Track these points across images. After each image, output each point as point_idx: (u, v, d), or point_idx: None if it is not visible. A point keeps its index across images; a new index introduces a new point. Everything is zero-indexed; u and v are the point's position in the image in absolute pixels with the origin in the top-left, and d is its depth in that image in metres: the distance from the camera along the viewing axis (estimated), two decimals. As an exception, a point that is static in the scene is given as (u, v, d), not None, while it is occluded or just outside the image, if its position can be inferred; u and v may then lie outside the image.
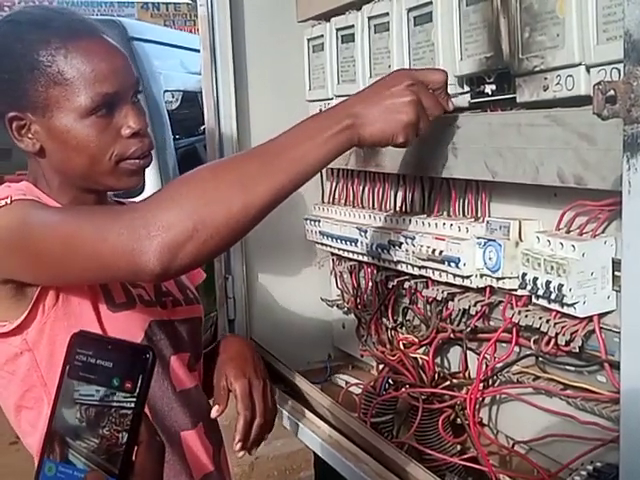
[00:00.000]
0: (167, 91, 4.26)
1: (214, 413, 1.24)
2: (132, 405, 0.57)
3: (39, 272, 1.05)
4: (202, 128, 2.95)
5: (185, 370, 1.24)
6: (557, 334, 1.08)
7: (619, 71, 0.90)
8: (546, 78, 1.02)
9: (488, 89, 1.15)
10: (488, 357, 1.24)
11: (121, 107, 1.11)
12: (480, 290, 1.24)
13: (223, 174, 0.98)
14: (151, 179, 1.26)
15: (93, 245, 0.97)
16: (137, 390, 0.58)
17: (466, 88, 1.20)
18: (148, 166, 1.16)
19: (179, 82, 4.38)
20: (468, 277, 1.22)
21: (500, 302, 1.23)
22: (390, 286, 1.49)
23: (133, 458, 0.58)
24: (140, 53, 3.96)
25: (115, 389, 0.58)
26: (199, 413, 1.24)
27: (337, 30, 1.55)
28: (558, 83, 1.00)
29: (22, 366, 1.07)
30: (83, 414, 0.58)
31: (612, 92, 0.71)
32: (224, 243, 0.98)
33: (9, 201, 1.02)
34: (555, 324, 1.09)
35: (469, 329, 1.27)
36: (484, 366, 1.24)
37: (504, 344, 1.23)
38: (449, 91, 1.14)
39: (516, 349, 1.21)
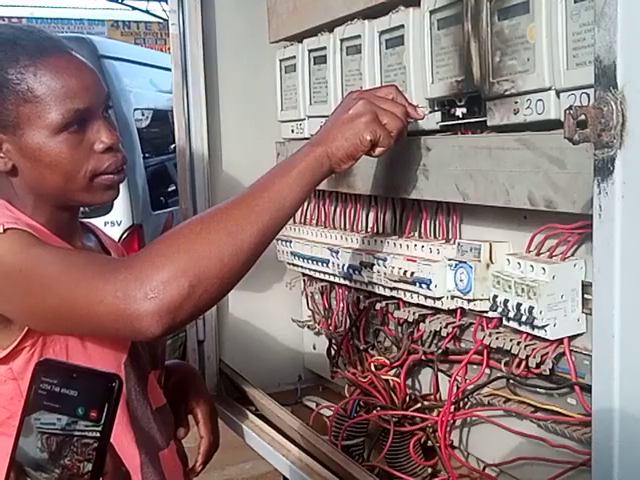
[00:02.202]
0: (137, 109, 4.25)
1: (182, 435, 1.26)
2: (97, 435, 0.56)
3: (30, 321, 1.03)
4: (172, 147, 2.94)
5: (157, 388, 1.23)
6: (528, 356, 1.08)
7: (588, 96, 0.91)
8: (516, 102, 1.03)
9: (459, 112, 1.16)
10: (459, 379, 1.24)
11: (93, 123, 1.10)
12: (451, 312, 1.25)
13: (209, 226, 0.99)
14: (120, 197, 1.25)
15: (90, 307, 0.95)
16: (103, 419, 0.56)
17: (437, 111, 1.21)
18: (123, 181, 1.15)
19: (149, 100, 4.37)
20: (439, 299, 1.22)
21: (471, 324, 1.23)
22: (362, 307, 1.48)
23: None
24: (110, 71, 3.95)
25: (79, 418, 0.56)
26: (170, 432, 1.24)
27: (309, 51, 1.56)
28: (528, 107, 1.01)
29: (6, 394, 1.05)
30: (45, 444, 0.56)
31: (583, 117, 0.71)
32: (219, 294, 0.98)
33: (1, 230, 0.99)
34: (526, 346, 1.09)
35: (440, 351, 1.27)
36: (455, 388, 1.24)
37: (475, 366, 1.23)
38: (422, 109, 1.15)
39: (487, 371, 1.21)
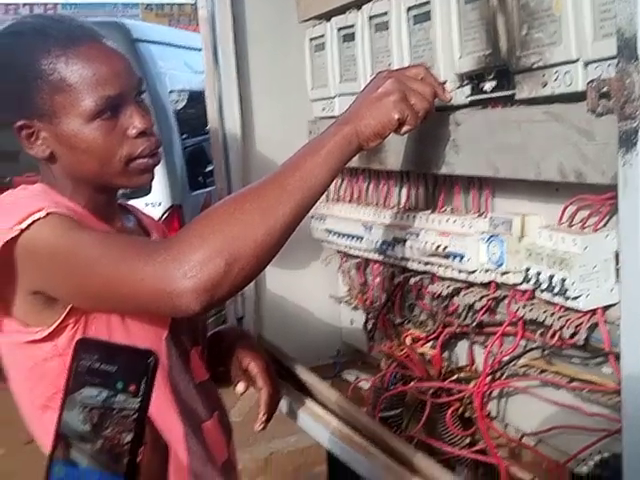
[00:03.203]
0: (172, 91, 4.28)
1: (241, 388, 1.31)
2: (136, 407, 0.59)
3: (75, 301, 1.08)
4: (209, 127, 2.98)
5: (200, 362, 1.27)
6: (562, 327, 1.09)
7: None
8: (544, 75, 1.03)
9: (487, 86, 1.17)
10: (494, 351, 1.25)
11: (126, 108, 1.13)
12: (485, 285, 1.26)
13: (243, 206, 1.02)
14: (159, 179, 1.29)
15: (131, 286, 0.99)
16: (140, 393, 0.59)
17: (466, 85, 1.21)
18: (158, 164, 1.18)
19: (184, 82, 4.40)
20: (472, 272, 1.23)
21: (505, 296, 1.24)
22: (396, 282, 1.50)
23: (138, 459, 0.60)
24: (144, 54, 3.98)
25: (119, 392, 0.59)
26: (214, 404, 1.28)
27: (338, 29, 1.57)
28: (556, 79, 1.01)
29: (52, 370, 1.10)
30: (87, 416, 0.59)
31: (606, 89, 0.72)
32: (255, 271, 1.02)
33: (44, 214, 1.04)
34: (559, 317, 1.10)
35: (475, 323, 1.28)
36: (490, 360, 1.25)
37: (510, 338, 1.24)
38: (449, 88, 1.15)
39: (522, 342, 1.22)
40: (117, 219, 1.24)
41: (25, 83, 1.11)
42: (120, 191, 1.26)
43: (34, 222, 1.03)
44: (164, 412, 1.15)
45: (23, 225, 1.02)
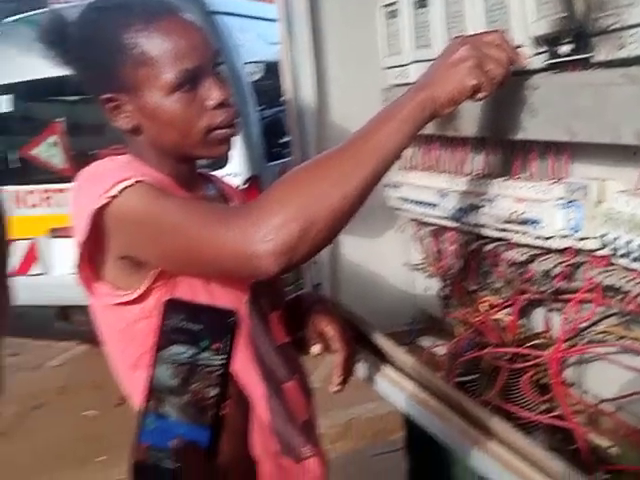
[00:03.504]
0: (249, 63, 4.33)
1: (316, 350, 1.34)
2: (219, 363, 0.62)
3: (161, 264, 1.14)
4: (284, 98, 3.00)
5: (280, 326, 1.32)
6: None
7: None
8: (621, 37, 1.01)
9: (563, 49, 1.15)
10: (571, 317, 1.24)
11: (204, 80, 1.17)
12: (561, 251, 1.25)
13: (319, 172, 1.06)
14: (236, 150, 1.33)
15: (214, 251, 1.05)
16: (223, 350, 0.63)
17: (542, 49, 1.19)
18: (235, 134, 1.22)
19: (260, 53, 4.43)
20: (549, 238, 1.23)
21: (582, 263, 1.23)
22: (471, 249, 1.50)
23: (223, 412, 0.63)
24: (220, 26, 4.04)
25: (203, 349, 0.63)
26: (294, 365, 1.33)
27: (412, -5, 1.56)
28: (634, 41, 0.99)
29: (141, 331, 1.17)
30: (175, 372, 0.63)
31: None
32: (330, 235, 1.06)
33: (132, 182, 1.09)
34: (638, 283, 1.08)
35: (551, 290, 1.28)
36: (567, 326, 1.25)
37: (588, 304, 1.23)
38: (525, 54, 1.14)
39: (601, 309, 1.21)
40: (199, 188, 1.29)
41: (109, 57, 1.16)
42: (200, 162, 1.31)
43: (123, 190, 1.08)
44: (246, 373, 1.21)
45: (112, 193, 1.08)
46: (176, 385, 0.63)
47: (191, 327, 0.63)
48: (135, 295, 1.16)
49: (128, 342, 1.20)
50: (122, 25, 1.15)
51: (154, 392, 0.64)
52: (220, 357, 0.62)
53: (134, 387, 1.22)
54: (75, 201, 1.18)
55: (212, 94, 1.17)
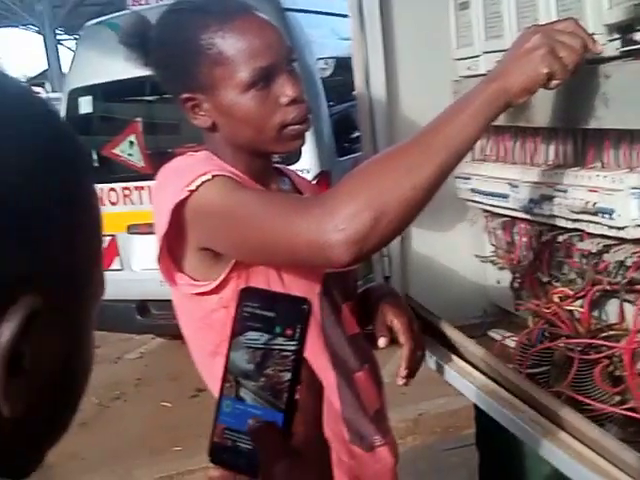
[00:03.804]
0: (320, 59, 4.36)
1: (382, 343, 1.34)
2: (293, 348, 0.65)
3: (238, 255, 1.18)
4: (355, 93, 3.02)
5: (351, 317, 1.34)
6: None
7: None
8: (698, 21, 0.99)
9: (638, 36, 1.13)
10: (645, 308, 1.23)
11: (277, 77, 1.20)
12: (636, 241, 1.23)
13: (390, 163, 1.07)
14: (307, 145, 1.36)
15: (288, 240, 1.08)
16: (296, 336, 0.65)
17: (615, 37, 1.18)
18: (308, 130, 1.25)
19: (332, 49, 4.46)
20: (623, 228, 1.21)
21: (658, 252, 1.21)
22: (544, 240, 1.49)
23: (296, 396, 0.65)
24: (293, 23, 4.08)
25: (277, 335, 0.65)
26: (365, 356, 1.35)
27: (483, -14, 1.55)
28: None
29: (218, 320, 1.21)
30: (251, 356, 0.66)
31: None
32: (401, 226, 1.08)
33: (210, 176, 1.14)
34: None
35: (625, 281, 1.26)
36: (641, 317, 1.23)
37: (663, 295, 1.21)
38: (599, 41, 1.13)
39: (676, 300, 1.19)
40: (273, 181, 1.32)
41: (187, 58, 1.20)
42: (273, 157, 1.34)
43: (201, 184, 1.13)
44: (318, 362, 1.23)
45: (192, 187, 1.13)
46: (251, 369, 0.65)
47: (265, 314, 0.66)
48: (213, 285, 1.20)
49: (207, 330, 1.24)
50: (199, 26, 1.20)
51: (230, 376, 0.66)
52: (293, 343, 0.65)
53: (213, 374, 1.26)
54: (156, 195, 1.23)
55: (285, 91, 1.20)
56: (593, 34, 1.18)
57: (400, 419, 3.58)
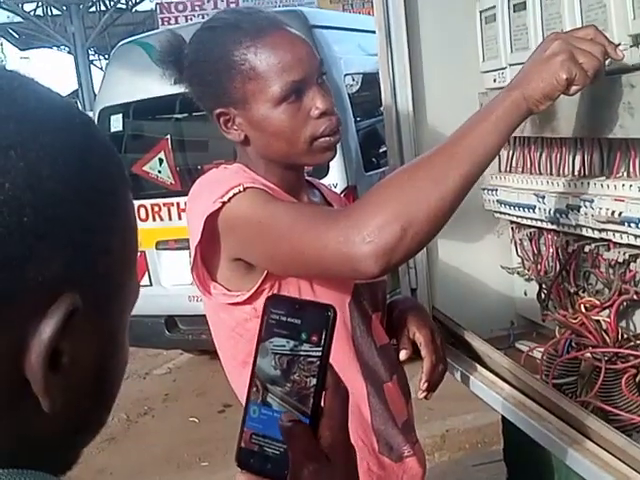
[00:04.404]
0: (347, 75, 4.39)
1: (403, 356, 1.35)
2: (318, 354, 0.66)
3: (268, 266, 1.20)
4: (381, 109, 3.04)
5: (380, 327, 1.35)
6: None
7: None
8: None
9: (663, 45, 1.13)
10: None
11: (308, 90, 1.22)
12: (663, 250, 1.23)
13: (415, 174, 1.09)
14: (335, 160, 1.38)
15: (317, 252, 1.10)
16: (322, 342, 0.66)
17: (641, 46, 1.18)
18: (339, 142, 1.27)
19: (358, 65, 4.50)
20: (649, 238, 1.21)
21: (685, 262, 1.20)
22: (570, 251, 1.49)
23: (322, 402, 0.66)
24: (320, 40, 4.12)
25: (303, 341, 0.66)
26: (394, 367, 1.35)
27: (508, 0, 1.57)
28: None
29: (251, 330, 1.23)
30: (277, 362, 0.67)
31: None
32: (428, 236, 1.09)
33: (242, 188, 1.16)
34: None
35: (653, 290, 1.26)
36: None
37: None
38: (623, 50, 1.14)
39: None
40: (304, 193, 1.34)
41: (221, 74, 1.23)
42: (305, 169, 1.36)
43: (234, 196, 1.15)
44: (348, 371, 1.24)
45: (225, 199, 1.15)
46: (278, 375, 0.66)
47: (291, 321, 0.67)
48: (247, 296, 1.22)
49: (239, 340, 1.26)
50: (232, 42, 1.22)
51: (257, 382, 0.68)
52: (318, 349, 0.66)
53: (243, 383, 1.28)
54: (191, 207, 1.26)
55: (316, 103, 1.22)
56: (619, 45, 1.18)
57: (427, 435, 3.57)
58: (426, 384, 1.37)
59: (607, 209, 1.28)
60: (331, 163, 1.33)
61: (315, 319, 0.67)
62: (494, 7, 1.62)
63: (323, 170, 3.65)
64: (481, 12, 1.69)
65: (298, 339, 0.66)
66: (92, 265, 0.54)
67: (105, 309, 0.56)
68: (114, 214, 0.57)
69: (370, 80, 4.48)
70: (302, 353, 0.66)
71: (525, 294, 1.79)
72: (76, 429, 0.57)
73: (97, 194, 0.55)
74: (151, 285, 4.58)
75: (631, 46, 1.19)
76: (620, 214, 1.25)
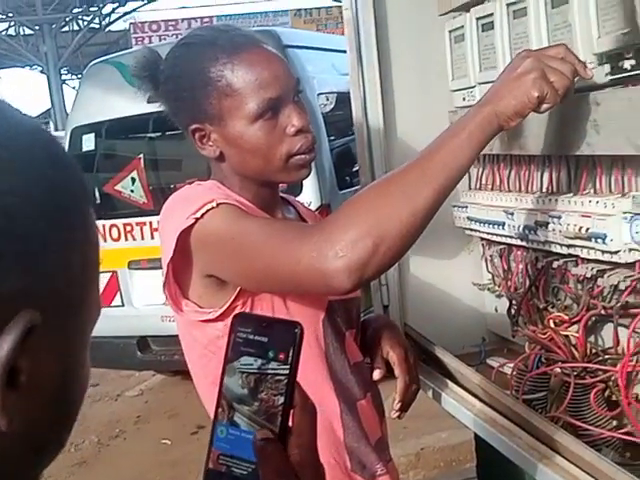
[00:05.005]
0: (321, 94, 4.42)
1: (377, 375, 1.34)
2: (286, 372, 0.65)
3: (241, 282, 1.20)
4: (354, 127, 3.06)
5: (354, 345, 1.35)
6: None
7: None
8: (683, 48, 1.02)
9: (627, 64, 1.16)
10: (639, 331, 1.23)
11: (284, 108, 1.23)
12: (630, 265, 1.24)
13: (387, 189, 1.09)
14: (309, 179, 1.39)
15: (290, 267, 1.10)
16: (289, 360, 0.65)
17: (605, 65, 1.21)
18: (314, 159, 1.27)
19: (332, 84, 4.52)
20: (616, 253, 1.22)
21: (651, 276, 1.22)
22: (539, 267, 1.50)
23: (290, 420, 0.65)
24: (294, 59, 4.14)
25: (271, 359, 0.65)
26: (367, 384, 1.35)
27: (477, 19, 1.59)
28: (696, 52, 1.00)
29: (223, 347, 1.21)
30: (245, 381, 0.66)
31: None
32: (401, 252, 1.09)
33: (215, 204, 1.16)
34: None
35: (619, 304, 1.27)
36: (635, 340, 1.23)
37: (658, 319, 1.22)
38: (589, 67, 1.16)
39: (670, 323, 1.19)
40: (279, 210, 1.34)
41: (197, 90, 1.23)
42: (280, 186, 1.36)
43: (207, 212, 1.15)
44: (321, 389, 1.24)
45: (198, 215, 1.15)
46: (245, 394, 0.66)
47: (259, 339, 0.66)
48: (219, 312, 1.21)
49: (211, 357, 1.24)
50: (208, 59, 1.22)
51: (224, 402, 0.67)
52: (286, 367, 0.65)
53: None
54: (164, 223, 1.25)
55: (292, 121, 1.22)
56: (584, 63, 1.20)
57: (402, 453, 3.56)
58: (399, 404, 1.36)
59: (574, 225, 1.30)
60: (305, 181, 1.33)
61: (282, 337, 0.66)
62: (462, 27, 1.65)
63: (297, 188, 3.65)
64: (450, 32, 1.71)
65: (265, 357, 0.66)
66: (51, 282, 0.53)
67: (65, 327, 0.55)
68: (74, 231, 0.56)
69: (343, 99, 4.49)
70: (270, 371, 0.66)
71: (496, 310, 1.80)
72: (35, 449, 0.56)
73: (57, 211, 0.54)
74: (123, 305, 4.54)
75: (597, 65, 1.21)
76: (587, 230, 1.26)
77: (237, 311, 1.20)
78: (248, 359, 0.66)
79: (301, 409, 0.66)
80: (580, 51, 1.24)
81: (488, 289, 1.79)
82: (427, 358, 1.74)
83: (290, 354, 0.65)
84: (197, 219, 1.15)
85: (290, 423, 0.65)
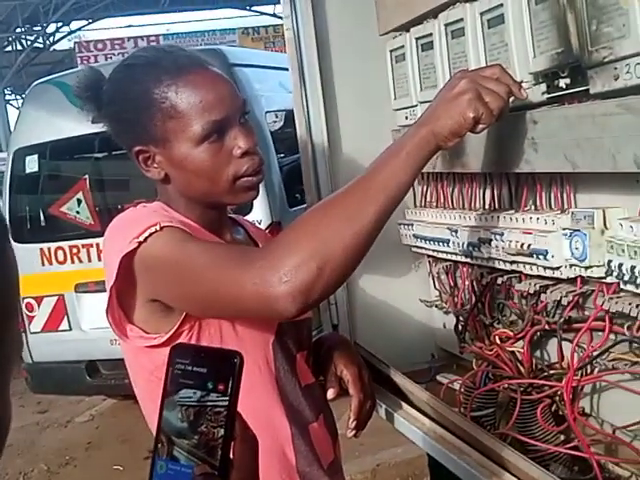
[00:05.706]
0: (269, 112, 4.41)
1: (331, 394, 1.32)
2: (225, 403, 0.64)
3: (186, 307, 1.17)
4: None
5: (306, 367, 1.33)
6: (648, 318, 1.08)
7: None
8: (616, 68, 1.04)
9: (562, 83, 1.18)
10: (583, 346, 1.25)
11: (230, 130, 1.21)
12: (572, 280, 1.26)
13: (330, 212, 1.08)
14: (259, 197, 1.37)
15: (234, 293, 1.08)
16: (229, 390, 0.64)
17: (541, 84, 1.23)
18: (261, 181, 1.26)
19: (280, 102, 4.52)
20: (557, 268, 1.24)
21: (592, 291, 1.24)
22: (485, 283, 1.52)
23: (231, 453, 0.64)
24: (241, 78, 4.13)
25: (210, 391, 0.64)
26: (320, 406, 1.33)
27: (416, 39, 1.60)
28: (628, 72, 1.02)
29: None
30: (184, 415, 0.64)
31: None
32: (345, 273, 1.09)
33: (159, 227, 1.13)
34: (646, 309, 1.09)
35: (562, 319, 1.29)
36: (579, 355, 1.25)
37: (600, 332, 1.23)
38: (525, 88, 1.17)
39: (612, 336, 1.21)
40: (227, 231, 1.32)
41: (141, 111, 1.20)
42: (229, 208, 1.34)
43: (150, 235, 1.12)
44: (271, 413, 1.22)
45: (141, 238, 1.12)
46: (185, 428, 0.64)
47: (197, 370, 0.65)
48: (165, 338, 1.18)
49: (158, 383, 1.20)
50: (152, 80, 1.20)
51: (163, 436, 0.65)
52: (225, 398, 0.64)
53: None
54: (107, 246, 1.22)
55: (238, 143, 1.21)
56: (521, 82, 1.22)
57: (359, 470, 3.55)
58: (355, 422, 1.35)
59: (516, 242, 1.31)
60: (255, 200, 1.31)
61: (221, 367, 0.65)
62: (403, 47, 1.66)
63: (247, 207, 3.63)
64: (391, 51, 1.73)
65: (205, 389, 0.64)
66: None
67: None
68: None
69: (292, 117, 4.50)
70: (209, 403, 0.64)
71: (444, 326, 1.81)
72: None
73: None
74: (70, 330, 4.43)
75: (533, 83, 1.23)
76: (529, 246, 1.28)
77: (184, 336, 1.18)
78: (187, 391, 0.65)
79: (241, 441, 0.65)
80: (517, 70, 1.26)
81: (436, 306, 1.80)
82: (378, 377, 1.73)
83: (230, 385, 0.64)
84: (140, 243, 1.13)
85: (231, 455, 0.64)
